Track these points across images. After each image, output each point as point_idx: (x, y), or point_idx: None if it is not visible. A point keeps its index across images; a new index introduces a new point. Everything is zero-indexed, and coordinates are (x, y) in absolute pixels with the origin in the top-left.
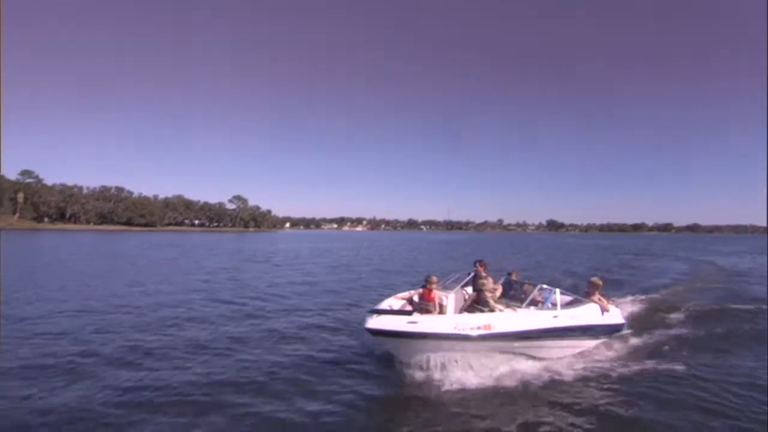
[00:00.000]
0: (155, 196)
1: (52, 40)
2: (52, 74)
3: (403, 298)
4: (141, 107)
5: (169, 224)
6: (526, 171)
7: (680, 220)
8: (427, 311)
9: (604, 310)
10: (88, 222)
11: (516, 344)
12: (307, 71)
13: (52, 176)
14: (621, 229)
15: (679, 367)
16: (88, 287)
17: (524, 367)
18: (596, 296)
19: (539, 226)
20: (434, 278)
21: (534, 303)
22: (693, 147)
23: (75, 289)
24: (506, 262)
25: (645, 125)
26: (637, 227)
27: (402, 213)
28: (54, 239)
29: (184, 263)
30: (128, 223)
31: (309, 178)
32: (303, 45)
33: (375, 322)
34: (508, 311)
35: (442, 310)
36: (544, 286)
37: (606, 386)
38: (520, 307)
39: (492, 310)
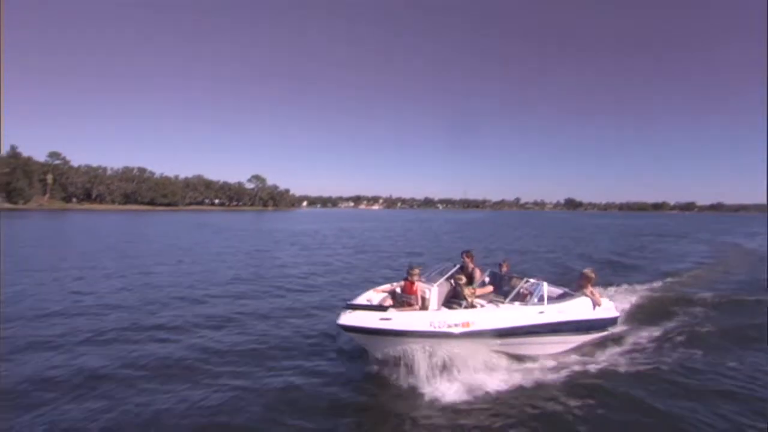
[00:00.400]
0: (176, 176)
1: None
2: (70, 58)
3: (384, 291)
4: (159, 88)
5: (190, 204)
6: (545, 149)
7: (704, 199)
8: (409, 305)
9: (596, 304)
10: (113, 202)
11: (498, 342)
12: (324, 49)
13: (76, 158)
14: (641, 208)
15: (672, 367)
16: (155, 272)
17: (505, 365)
18: (588, 289)
19: (557, 205)
20: (416, 270)
21: (521, 297)
22: (717, 122)
23: (153, 275)
24: (511, 253)
25: (666, 100)
26: (658, 206)
27: (418, 191)
28: (89, 220)
29: (223, 246)
30: (151, 203)
31: (325, 157)
32: (319, 23)
33: (347, 318)
34: (489, 307)
35: (424, 304)
36: (531, 279)
37: (591, 387)
38: (503, 302)
39: (471, 306)
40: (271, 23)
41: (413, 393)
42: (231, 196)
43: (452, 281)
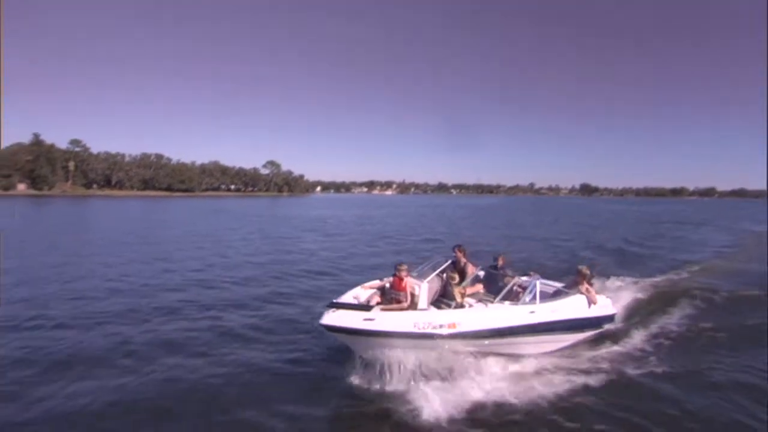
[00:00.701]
0: (193, 163)
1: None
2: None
3: (372, 287)
4: (174, 73)
5: (206, 189)
6: (559, 133)
7: (725, 184)
8: (398, 301)
9: (591, 301)
10: (131, 188)
11: (486, 342)
12: (338, 33)
13: (95, 145)
14: (659, 193)
15: (667, 368)
16: (192, 258)
17: (492, 365)
18: (584, 286)
19: (572, 190)
20: (404, 266)
21: (513, 295)
22: (739, 105)
23: (191, 260)
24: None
25: (685, 82)
26: (676, 192)
27: (431, 176)
28: (111, 206)
29: (245, 233)
30: (168, 188)
31: (339, 142)
32: (333, 5)
33: (330, 318)
34: (478, 306)
35: (413, 300)
36: (523, 278)
37: (578, 388)
38: (492, 301)
39: (459, 305)
40: (289, 8)
41: (396, 395)
42: (246, 181)
43: (444, 276)
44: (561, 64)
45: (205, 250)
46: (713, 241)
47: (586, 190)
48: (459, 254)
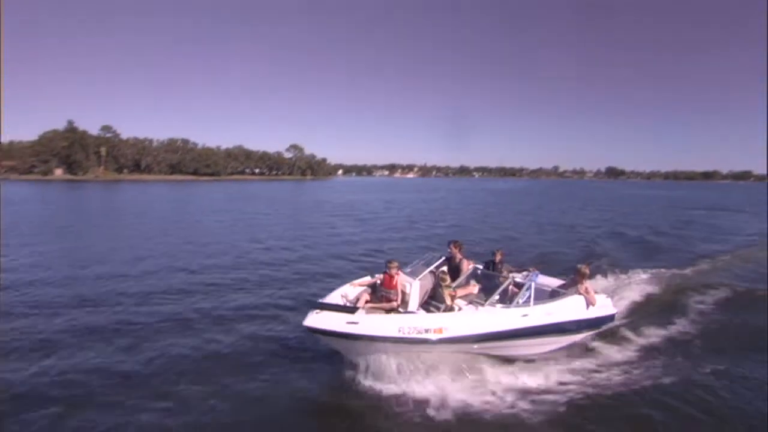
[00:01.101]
0: (218, 147)
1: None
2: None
3: (361, 285)
4: (194, 58)
5: (231, 173)
6: (585, 113)
7: (762, 167)
8: (388, 299)
9: (589, 302)
10: (159, 172)
11: (476, 346)
12: (359, 17)
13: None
14: (689, 177)
15: (657, 373)
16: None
17: (479, 369)
18: (583, 286)
19: (597, 174)
20: (395, 263)
21: (507, 296)
22: None
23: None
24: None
25: (714, 60)
26: (708, 175)
27: (453, 159)
28: (143, 190)
29: (280, 220)
30: (195, 172)
31: (360, 125)
32: None
33: (313, 320)
34: (468, 309)
35: (404, 299)
36: (517, 278)
37: (575, 388)
38: (483, 304)
39: (449, 308)
40: None
41: (380, 398)
42: (270, 165)
43: (435, 273)
44: (585, 42)
45: (242, 233)
46: (747, 228)
47: (612, 173)
48: (454, 250)
